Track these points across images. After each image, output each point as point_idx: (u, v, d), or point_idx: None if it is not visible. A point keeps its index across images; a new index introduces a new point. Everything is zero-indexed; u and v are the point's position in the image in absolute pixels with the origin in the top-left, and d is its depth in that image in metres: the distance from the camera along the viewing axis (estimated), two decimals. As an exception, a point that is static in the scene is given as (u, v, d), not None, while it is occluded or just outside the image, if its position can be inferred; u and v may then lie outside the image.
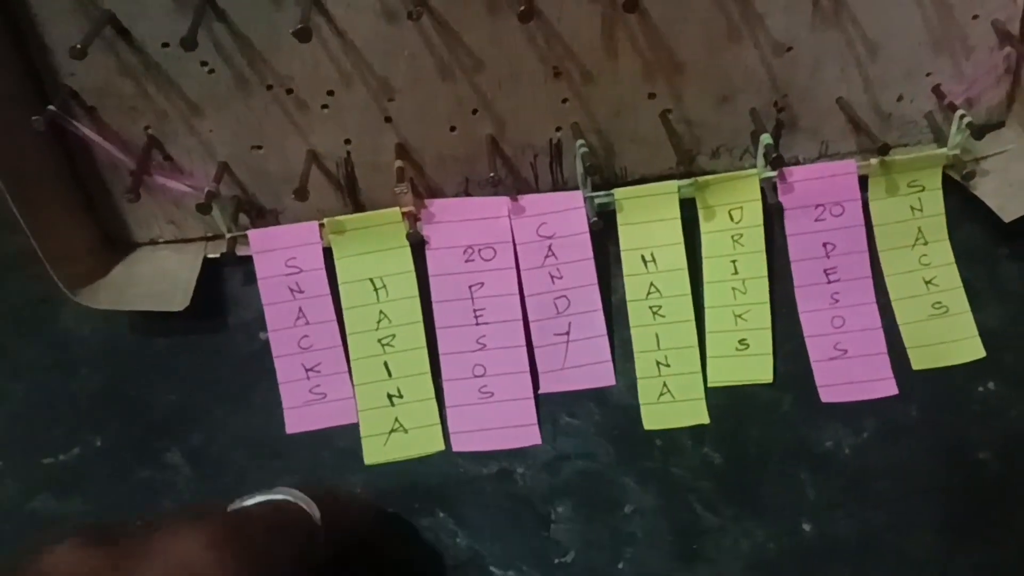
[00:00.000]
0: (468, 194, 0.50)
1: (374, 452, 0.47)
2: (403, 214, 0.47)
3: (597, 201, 0.48)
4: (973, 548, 0.45)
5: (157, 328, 0.49)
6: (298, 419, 0.48)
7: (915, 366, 0.48)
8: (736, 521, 0.46)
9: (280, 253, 0.47)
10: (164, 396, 0.49)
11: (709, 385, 0.48)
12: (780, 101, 0.49)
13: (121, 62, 0.44)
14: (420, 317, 0.48)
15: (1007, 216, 0.47)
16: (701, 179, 0.48)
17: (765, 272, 0.48)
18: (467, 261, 0.48)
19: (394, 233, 0.47)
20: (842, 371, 0.48)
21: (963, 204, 0.49)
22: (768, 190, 0.48)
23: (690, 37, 0.46)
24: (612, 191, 0.48)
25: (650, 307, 0.48)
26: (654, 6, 0.44)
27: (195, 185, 0.47)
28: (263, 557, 0.33)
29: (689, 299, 0.48)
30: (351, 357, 0.48)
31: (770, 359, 0.48)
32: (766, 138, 0.47)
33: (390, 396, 0.48)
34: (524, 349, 0.48)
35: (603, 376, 0.48)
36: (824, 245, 0.48)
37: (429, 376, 0.48)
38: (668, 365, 0.48)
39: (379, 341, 0.48)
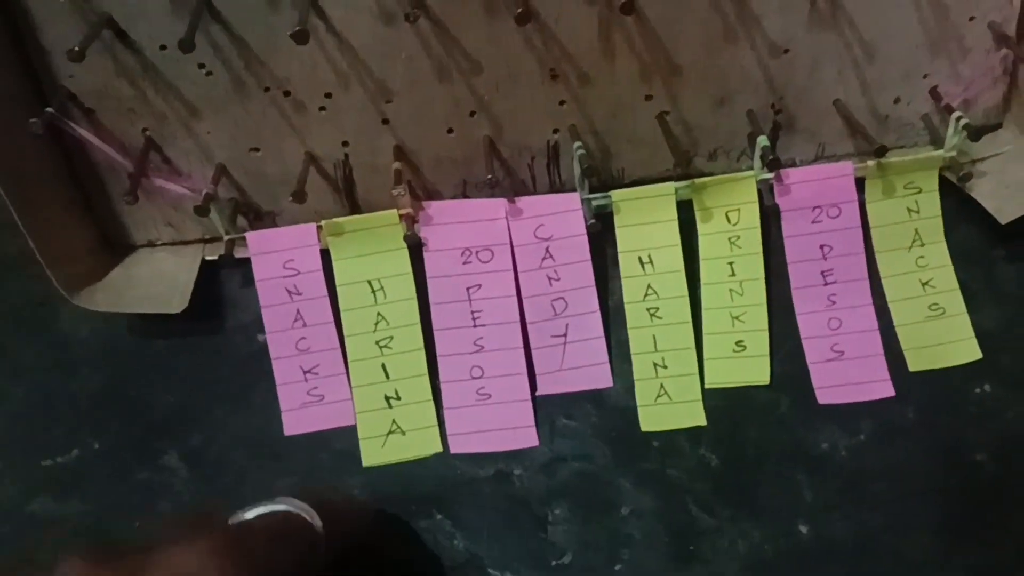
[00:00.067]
0: (466, 196, 0.50)
1: (372, 454, 0.47)
2: (401, 216, 0.47)
3: (594, 203, 0.48)
4: (970, 549, 0.45)
5: (155, 330, 0.49)
6: (296, 421, 0.48)
7: (912, 368, 0.48)
8: (733, 522, 0.46)
9: (278, 255, 0.48)
10: (162, 398, 0.49)
11: (706, 387, 0.48)
12: (777, 103, 0.49)
13: (119, 64, 0.44)
14: (418, 319, 0.48)
15: (1004, 218, 0.47)
16: (698, 181, 0.48)
17: (762, 274, 0.48)
18: (465, 263, 0.48)
19: (392, 235, 0.47)
20: (839, 373, 0.48)
21: (960, 206, 0.49)
22: (765, 192, 0.48)
23: (687, 39, 0.46)
24: (609, 193, 0.48)
25: (647, 309, 0.48)
26: (651, 8, 0.44)
27: (193, 187, 0.47)
28: (265, 569, 0.33)
29: (686, 301, 0.48)
30: (349, 359, 0.48)
31: (767, 361, 0.48)
32: (763, 140, 0.47)
33: (388, 398, 0.48)
34: (522, 351, 0.48)
35: (600, 378, 0.48)
36: (821, 247, 0.49)
37: (427, 378, 0.48)
38: (665, 367, 0.48)
39: (377, 343, 0.48)
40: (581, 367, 0.48)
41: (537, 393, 0.48)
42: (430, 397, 0.48)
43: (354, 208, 0.50)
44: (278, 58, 0.45)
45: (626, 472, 0.47)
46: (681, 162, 0.48)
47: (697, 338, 0.48)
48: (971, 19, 0.47)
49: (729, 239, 0.49)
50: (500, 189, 0.48)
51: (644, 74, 0.47)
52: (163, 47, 0.44)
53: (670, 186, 0.48)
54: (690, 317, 0.48)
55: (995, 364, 0.48)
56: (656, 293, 0.48)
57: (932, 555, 0.45)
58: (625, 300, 0.48)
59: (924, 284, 0.49)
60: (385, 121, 0.47)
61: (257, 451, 0.48)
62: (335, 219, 0.47)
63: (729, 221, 0.49)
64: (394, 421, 0.48)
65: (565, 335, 0.48)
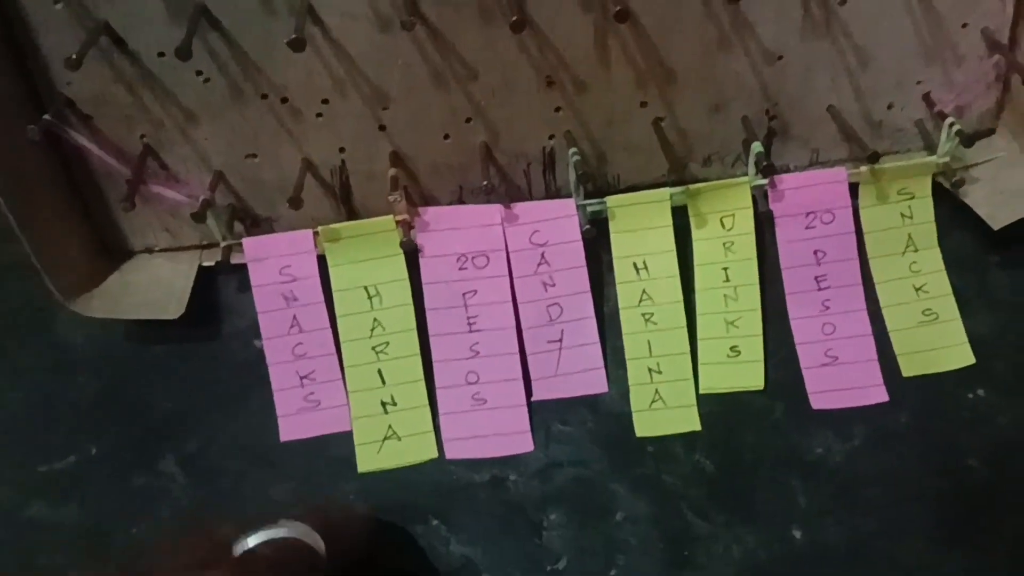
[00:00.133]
0: (462, 202, 0.50)
1: (368, 460, 0.47)
2: (397, 222, 0.47)
3: (590, 209, 0.48)
4: (963, 554, 0.45)
5: (152, 336, 0.49)
6: (292, 426, 0.48)
7: (905, 373, 0.48)
8: (727, 528, 0.46)
9: (274, 261, 0.48)
10: (160, 403, 0.49)
11: (701, 392, 0.48)
12: (771, 109, 0.49)
13: (117, 71, 0.45)
14: (414, 325, 0.48)
15: (996, 224, 0.47)
16: (693, 187, 0.48)
17: (756, 279, 0.49)
18: (460, 269, 0.48)
19: (388, 241, 0.47)
20: (833, 378, 0.48)
21: (953, 212, 0.49)
22: (759, 198, 0.49)
23: (682, 46, 0.46)
24: (604, 199, 0.48)
25: (642, 314, 0.49)
26: (646, 16, 0.45)
27: (190, 194, 0.48)
28: None
29: (681, 306, 0.48)
30: (345, 365, 0.48)
31: (761, 366, 0.48)
32: (757, 146, 0.47)
33: (384, 404, 0.48)
34: (517, 356, 0.48)
35: (595, 383, 0.48)
36: (815, 252, 0.49)
37: (423, 383, 0.48)
38: (660, 372, 0.48)
39: (373, 349, 0.48)
40: (576, 372, 0.48)
41: (532, 398, 0.48)
42: (426, 403, 0.48)
43: (351, 214, 0.50)
44: (275, 65, 0.45)
45: (621, 477, 0.47)
46: (676, 168, 0.49)
47: (692, 343, 0.48)
48: (964, 26, 0.48)
49: (723, 245, 0.49)
50: (496, 195, 0.48)
51: (639, 81, 0.47)
52: (161, 54, 0.44)
53: (665, 192, 0.48)
54: (685, 322, 0.48)
55: (988, 369, 0.48)
56: (651, 298, 0.49)
57: (925, 560, 0.45)
58: (620, 306, 0.49)
59: (917, 289, 0.49)
60: (382, 128, 0.47)
61: (253, 456, 0.48)
62: (331, 225, 0.47)
63: (723, 227, 0.49)
64: (390, 427, 0.48)
65: (560, 340, 0.48)
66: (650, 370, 0.48)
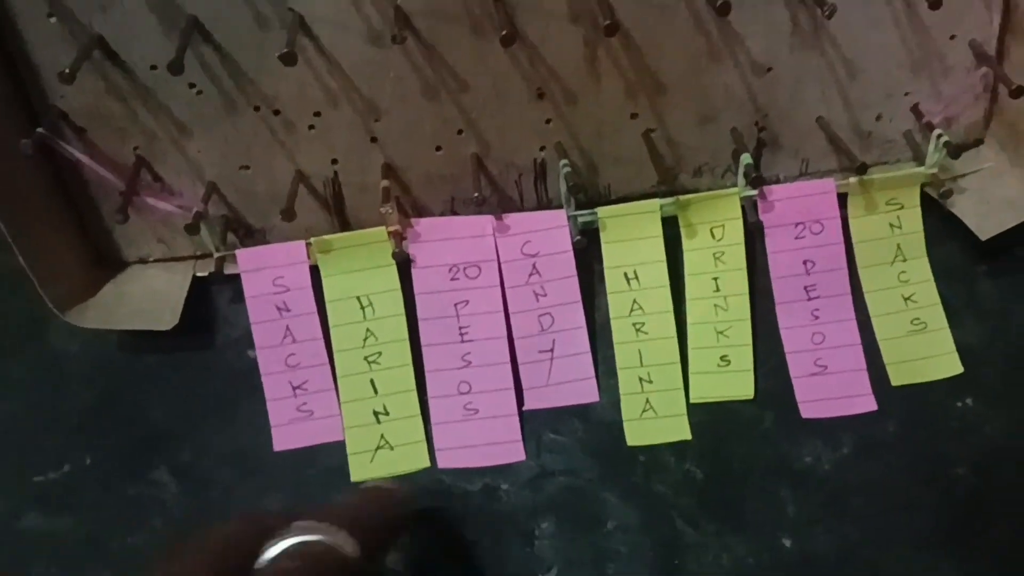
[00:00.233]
0: (454, 213, 0.51)
1: (360, 469, 0.48)
2: (389, 233, 0.48)
3: (581, 219, 0.49)
4: (951, 563, 0.46)
5: (146, 346, 0.50)
6: (285, 436, 0.48)
7: (894, 382, 0.48)
8: (717, 536, 0.46)
9: (268, 272, 0.48)
10: (153, 413, 0.49)
11: (691, 401, 0.48)
12: (761, 120, 0.49)
13: (110, 84, 0.45)
14: (406, 335, 0.48)
15: (984, 234, 0.48)
16: (683, 198, 0.48)
17: (746, 289, 0.49)
18: (452, 279, 0.48)
19: (380, 252, 0.48)
20: (822, 387, 0.48)
21: (941, 222, 0.50)
22: (749, 208, 0.49)
23: (671, 58, 0.46)
24: (595, 209, 0.48)
25: (633, 324, 0.49)
26: (636, 28, 0.45)
27: (184, 205, 0.48)
28: None
29: (671, 316, 0.49)
30: (338, 375, 0.48)
31: (751, 375, 0.49)
32: (746, 158, 0.47)
33: (376, 413, 0.48)
34: (509, 366, 0.48)
35: (587, 393, 0.49)
36: (804, 262, 0.49)
37: (415, 393, 0.48)
38: (651, 381, 0.49)
39: (365, 359, 0.48)
40: (567, 382, 0.49)
41: (524, 408, 0.48)
42: (418, 412, 0.48)
43: (343, 225, 0.50)
44: (268, 78, 0.45)
45: (612, 487, 0.47)
46: (666, 179, 0.49)
47: (682, 353, 0.49)
48: (952, 38, 0.48)
49: (714, 255, 0.49)
50: (487, 206, 0.48)
51: (629, 93, 0.47)
52: (153, 67, 0.44)
53: (655, 203, 0.48)
54: (675, 332, 0.49)
55: (976, 378, 0.48)
56: (642, 308, 0.49)
57: (914, 568, 0.46)
58: (611, 315, 0.49)
59: (906, 299, 0.50)
60: (374, 139, 0.48)
61: (247, 466, 0.48)
62: (324, 236, 0.48)
63: (714, 237, 0.49)
64: (382, 436, 0.48)
65: (552, 350, 0.49)
66: (641, 380, 0.49)
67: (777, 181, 0.51)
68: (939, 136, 0.48)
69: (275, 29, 0.44)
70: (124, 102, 0.46)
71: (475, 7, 0.44)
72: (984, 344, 0.49)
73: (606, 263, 0.49)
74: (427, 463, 0.48)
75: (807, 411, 0.48)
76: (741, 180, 0.48)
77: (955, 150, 0.47)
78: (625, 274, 0.49)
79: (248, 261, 0.48)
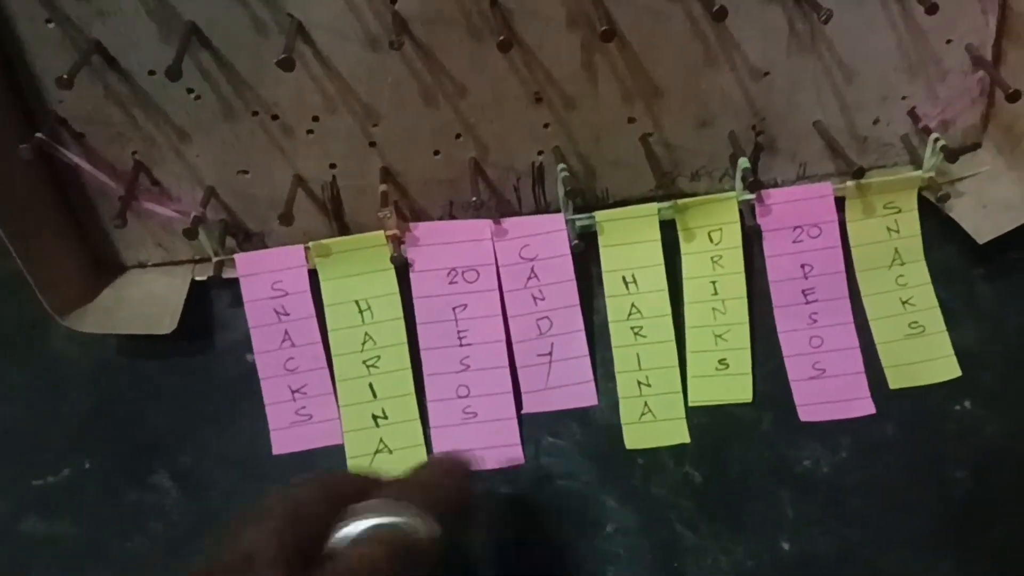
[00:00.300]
0: (452, 217, 0.51)
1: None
2: (388, 237, 0.48)
3: (579, 223, 0.49)
4: (950, 565, 0.46)
5: (145, 350, 0.50)
6: (284, 440, 0.48)
7: (892, 385, 0.49)
8: (716, 539, 0.46)
9: (266, 276, 0.48)
10: (152, 418, 0.49)
11: (690, 405, 0.49)
12: (758, 125, 0.49)
13: (109, 90, 0.45)
14: (405, 339, 0.48)
15: (981, 237, 0.48)
16: (681, 201, 0.49)
17: (744, 293, 0.49)
18: (451, 283, 0.49)
19: (379, 256, 0.48)
20: (820, 390, 0.49)
21: (939, 225, 0.50)
22: (747, 212, 0.49)
23: (668, 63, 0.47)
24: (593, 213, 0.48)
25: (631, 327, 0.49)
26: (632, 34, 0.45)
27: (182, 209, 0.48)
28: None
29: (670, 319, 0.49)
30: (336, 378, 0.48)
31: (749, 379, 0.49)
32: (743, 162, 0.47)
33: (375, 417, 0.48)
34: (507, 370, 0.48)
35: (585, 396, 0.49)
36: (802, 266, 0.49)
37: (413, 397, 0.48)
38: (649, 385, 0.49)
39: (364, 363, 0.48)
40: (566, 386, 0.49)
41: (523, 411, 0.48)
42: (417, 416, 0.48)
43: (342, 229, 0.51)
44: (266, 83, 0.45)
45: (611, 489, 0.47)
46: (664, 183, 0.49)
47: (680, 356, 0.49)
48: (948, 42, 0.48)
49: (712, 259, 0.49)
50: (486, 210, 0.48)
51: (627, 97, 0.47)
52: (152, 72, 0.45)
53: (653, 207, 0.48)
54: (673, 336, 0.49)
55: (974, 381, 0.48)
56: (640, 312, 0.49)
57: (913, 570, 0.46)
58: (609, 319, 0.49)
59: (904, 302, 0.50)
60: (372, 144, 0.48)
61: (246, 470, 0.48)
62: (323, 240, 0.48)
63: (712, 241, 0.49)
64: (381, 440, 0.48)
65: (550, 354, 0.49)
66: (639, 383, 0.49)
67: (775, 185, 0.51)
68: (936, 140, 0.48)
69: (273, 35, 0.44)
70: (123, 107, 0.46)
71: (473, 12, 0.44)
72: (982, 347, 0.49)
73: (604, 267, 0.49)
74: (426, 467, 0.48)
75: (805, 414, 0.48)
76: (739, 184, 0.49)
77: (952, 154, 0.48)
78: (623, 278, 0.49)
79: (247, 265, 0.48)
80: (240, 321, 0.49)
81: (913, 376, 0.49)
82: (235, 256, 0.48)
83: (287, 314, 0.48)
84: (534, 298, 0.49)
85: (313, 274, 0.48)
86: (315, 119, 0.47)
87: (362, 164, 0.48)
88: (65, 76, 0.40)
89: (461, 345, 0.48)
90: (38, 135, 0.44)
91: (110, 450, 0.49)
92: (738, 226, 0.49)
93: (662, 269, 0.49)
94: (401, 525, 0.32)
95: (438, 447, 0.48)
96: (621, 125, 0.48)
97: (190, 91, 0.45)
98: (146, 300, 0.50)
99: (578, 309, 0.49)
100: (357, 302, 0.48)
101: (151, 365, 0.50)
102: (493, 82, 0.46)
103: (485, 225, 0.49)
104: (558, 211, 0.49)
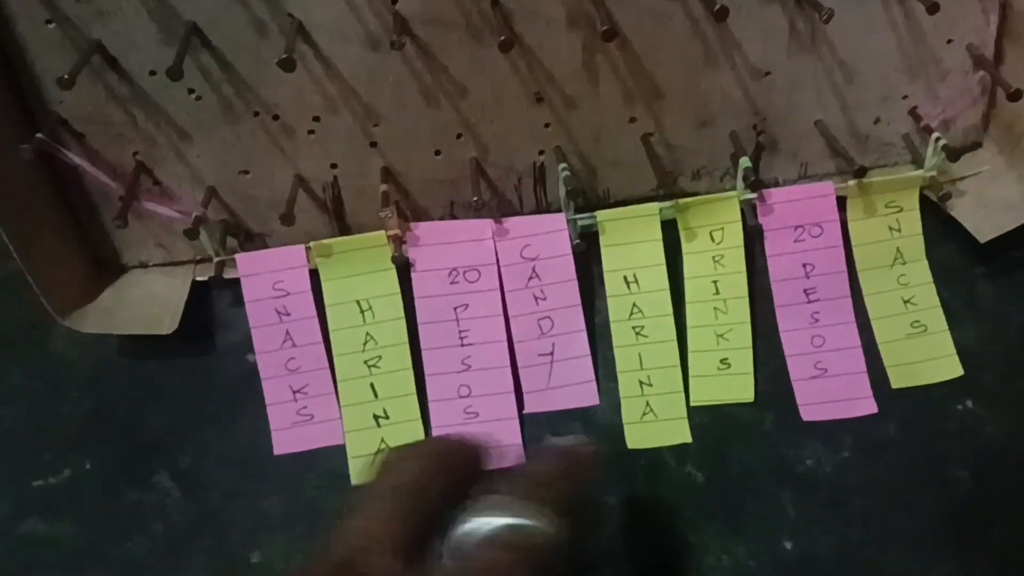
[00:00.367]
0: (453, 217, 0.51)
1: (361, 473, 0.48)
2: (389, 237, 0.48)
3: (580, 223, 0.49)
4: (951, 565, 0.46)
5: (146, 351, 0.50)
6: (286, 440, 0.48)
7: (894, 384, 0.48)
8: (718, 539, 0.46)
9: (267, 276, 0.48)
10: (153, 418, 0.49)
11: (691, 404, 0.49)
12: (759, 124, 0.49)
13: (109, 90, 0.45)
14: (406, 339, 0.48)
15: (983, 236, 0.48)
16: (682, 201, 0.49)
17: (746, 292, 0.49)
18: (452, 283, 0.49)
19: (380, 256, 0.48)
20: (822, 390, 0.48)
21: (941, 224, 0.50)
22: (748, 212, 0.49)
23: (669, 63, 0.46)
24: (594, 213, 0.48)
25: (633, 327, 0.49)
26: (633, 33, 0.45)
27: (183, 210, 0.48)
28: None
29: (671, 319, 0.49)
30: (338, 379, 0.48)
31: (751, 378, 0.49)
32: (745, 161, 0.47)
33: (376, 417, 0.48)
34: (509, 370, 0.48)
35: (587, 396, 0.49)
36: (804, 265, 0.49)
37: (415, 397, 0.48)
38: (651, 385, 0.49)
39: (365, 363, 0.48)
40: (568, 385, 0.49)
41: (524, 411, 0.48)
42: (418, 416, 0.48)
43: (343, 229, 0.50)
44: (267, 83, 0.45)
45: (612, 489, 0.47)
46: (665, 183, 0.49)
47: (682, 356, 0.49)
48: (949, 41, 0.48)
49: (713, 258, 0.49)
50: (487, 210, 0.48)
51: (627, 97, 0.47)
52: (152, 73, 0.44)
53: (654, 206, 0.48)
54: (675, 335, 0.49)
55: (976, 381, 0.48)
56: (641, 312, 0.49)
57: (914, 570, 0.46)
58: (611, 319, 0.49)
59: (906, 302, 0.50)
60: (373, 144, 0.48)
61: (247, 470, 0.48)
62: (324, 240, 0.48)
63: (713, 240, 0.49)
64: (383, 440, 0.48)
65: (552, 354, 0.49)
66: (641, 383, 0.49)
67: (776, 184, 0.51)
68: (937, 139, 0.48)
69: (274, 35, 0.44)
70: (123, 108, 0.46)
71: (473, 13, 0.44)
72: (984, 346, 0.49)
73: (605, 267, 0.49)
74: (427, 467, 0.48)
75: (807, 414, 0.48)
76: (740, 183, 0.49)
77: (953, 153, 0.48)
78: (624, 277, 0.49)
79: (248, 265, 0.48)
80: (241, 321, 0.49)
81: (915, 375, 0.49)
82: (236, 256, 0.48)
83: (288, 314, 0.48)
84: (535, 298, 0.49)
85: (314, 274, 0.48)
86: (316, 119, 0.47)
87: (363, 164, 0.48)
88: (66, 76, 0.40)
89: (462, 345, 0.48)
90: (39, 135, 0.44)
91: (111, 451, 0.49)
92: (739, 225, 0.49)
93: (663, 269, 0.49)
94: (530, 528, 0.29)
95: (439, 447, 0.48)
96: (622, 125, 0.48)
97: (191, 91, 0.45)
98: (147, 300, 0.50)
99: (579, 309, 0.49)
100: (358, 302, 0.48)
101: (152, 365, 0.50)
102: (494, 82, 0.46)
103: (486, 225, 0.48)
104: (559, 211, 0.49)
